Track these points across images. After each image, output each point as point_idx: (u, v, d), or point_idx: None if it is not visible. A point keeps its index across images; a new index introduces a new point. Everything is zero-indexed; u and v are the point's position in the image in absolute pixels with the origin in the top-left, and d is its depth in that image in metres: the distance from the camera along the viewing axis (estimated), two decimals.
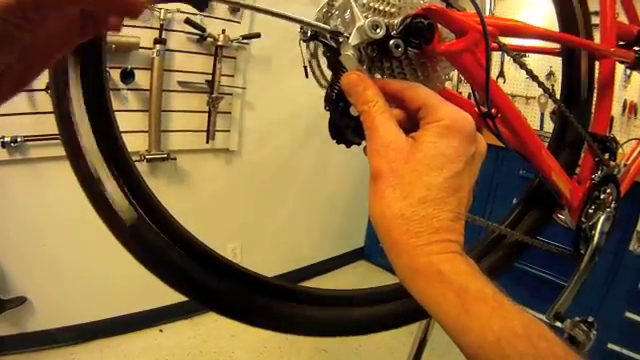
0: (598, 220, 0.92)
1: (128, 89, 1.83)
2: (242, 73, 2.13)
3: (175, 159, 2.01)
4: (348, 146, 0.62)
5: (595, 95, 0.96)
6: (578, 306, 0.88)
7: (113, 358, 1.91)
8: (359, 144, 0.59)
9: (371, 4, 0.53)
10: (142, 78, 1.85)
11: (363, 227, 3.13)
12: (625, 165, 1.05)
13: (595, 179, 0.91)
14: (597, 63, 0.92)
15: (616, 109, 2.25)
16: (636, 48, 0.96)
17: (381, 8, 0.52)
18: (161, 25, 1.79)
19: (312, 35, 0.56)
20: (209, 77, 2.00)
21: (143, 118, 1.89)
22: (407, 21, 0.50)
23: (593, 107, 0.96)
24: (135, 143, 1.89)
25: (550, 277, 2.11)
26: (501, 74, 2.57)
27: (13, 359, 1.82)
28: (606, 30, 0.92)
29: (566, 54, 0.90)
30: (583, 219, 0.92)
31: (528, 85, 2.55)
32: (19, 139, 1.61)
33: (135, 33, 1.76)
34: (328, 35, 0.52)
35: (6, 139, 1.60)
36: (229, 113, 2.15)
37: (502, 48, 0.66)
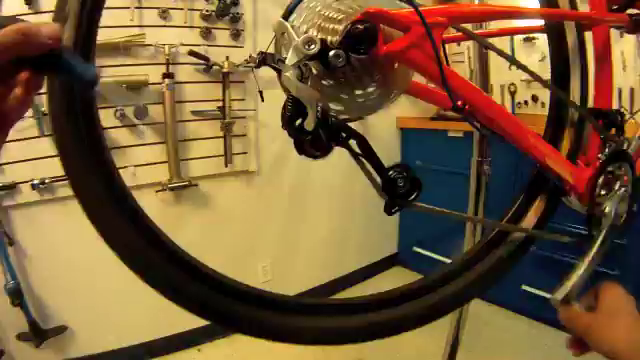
0: (608, 203, 0.83)
1: (143, 124, 1.87)
2: (252, 95, 2.10)
3: (197, 185, 2.03)
4: (315, 159, 0.61)
5: (593, 68, 0.88)
6: None
7: None
8: (321, 157, 0.59)
9: (315, 20, 0.53)
10: (156, 112, 1.88)
11: (395, 233, 3.04)
12: None
13: (601, 158, 0.83)
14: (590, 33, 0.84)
15: (636, 80, 2.09)
16: (629, 11, 0.89)
17: (322, 23, 0.52)
18: (167, 60, 1.82)
19: (260, 61, 0.57)
20: (220, 103, 2.01)
21: (162, 149, 1.93)
22: (348, 28, 0.49)
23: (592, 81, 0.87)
24: (157, 174, 1.93)
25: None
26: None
27: None
28: None
29: (550, 29, 0.82)
30: (595, 203, 0.82)
31: (543, 68, 2.45)
32: (47, 180, 1.69)
33: (143, 71, 1.81)
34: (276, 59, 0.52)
35: (35, 181, 1.70)
36: (244, 135, 2.15)
37: (468, 33, 0.63)
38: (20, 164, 1.69)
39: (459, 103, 0.58)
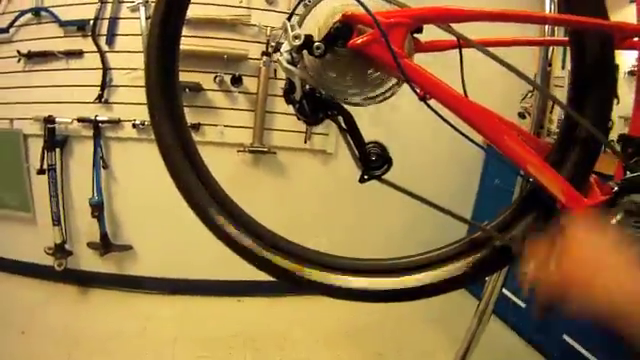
0: None
1: (239, 92, 2.13)
2: None
3: (275, 153, 2.26)
4: (307, 125, 0.79)
5: (635, 89, 0.85)
6: None
7: (193, 313, 2.19)
8: (313, 124, 0.76)
9: (317, 22, 0.70)
10: (251, 83, 2.12)
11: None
12: None
13: (614, 188, 0.74)
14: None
15: None
16: None
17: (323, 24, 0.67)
18: (267, 40, 2.04)
19: (275, 48, 0.75)
20: None
21: (250, 116, 2.17)
22: (330, 27, 0.66)
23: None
24: (241, 136, 2.19)
25: None
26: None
27: (111, 294, 2.25)
28: None
29: (573, 41, 0.73)
30: None
31: None
32: (146, 122, 2.03)
33: (245, 46, 2.06)
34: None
35: (136, 121, 2.07)
36: None
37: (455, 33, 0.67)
38: (127, 105, 2.06)
39: (420, 93, 0.69)
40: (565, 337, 1.89)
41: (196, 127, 2.13)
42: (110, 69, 2.10)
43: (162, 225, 2.16)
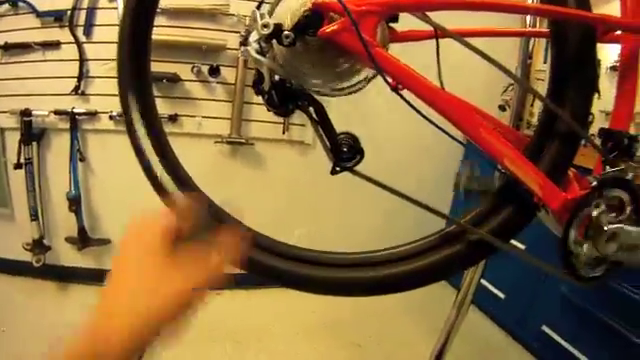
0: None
1: (217, 82, 2.09)
2: None
3: (253, 144, 2.23)
4: (278, 116, 0.75)
5: (616, 83, 0.82)
6: None
7: None
8: (283, 115, 0.74)
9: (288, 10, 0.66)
10: (229, 74, 2.08)
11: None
12: None
13: (593, 182, 0.71)
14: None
15: None
16: None
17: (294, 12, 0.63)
18: (246, 30, 1.99)
19: (244, 38, 0.72)
20: None
21: (227, 107, 2.13)
22: (299, 16, 0.62)
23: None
24: (219, 127, 2.15)
25: None
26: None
27: (91, 289, 2.17)
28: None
29: (556, 34, 0.69)
30: (577, 230, 0.69)
31: None
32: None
33: (223, 37, 2.01)
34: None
35: (113, 113, 2.00)
36: None
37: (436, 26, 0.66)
38: (103, 97, 2.00)
39: (392, 83, 0.66)
40: (544, 328, 1.89)
41: (173, 118, 2.08)
42: (87, 60, 2.03)
43: None
